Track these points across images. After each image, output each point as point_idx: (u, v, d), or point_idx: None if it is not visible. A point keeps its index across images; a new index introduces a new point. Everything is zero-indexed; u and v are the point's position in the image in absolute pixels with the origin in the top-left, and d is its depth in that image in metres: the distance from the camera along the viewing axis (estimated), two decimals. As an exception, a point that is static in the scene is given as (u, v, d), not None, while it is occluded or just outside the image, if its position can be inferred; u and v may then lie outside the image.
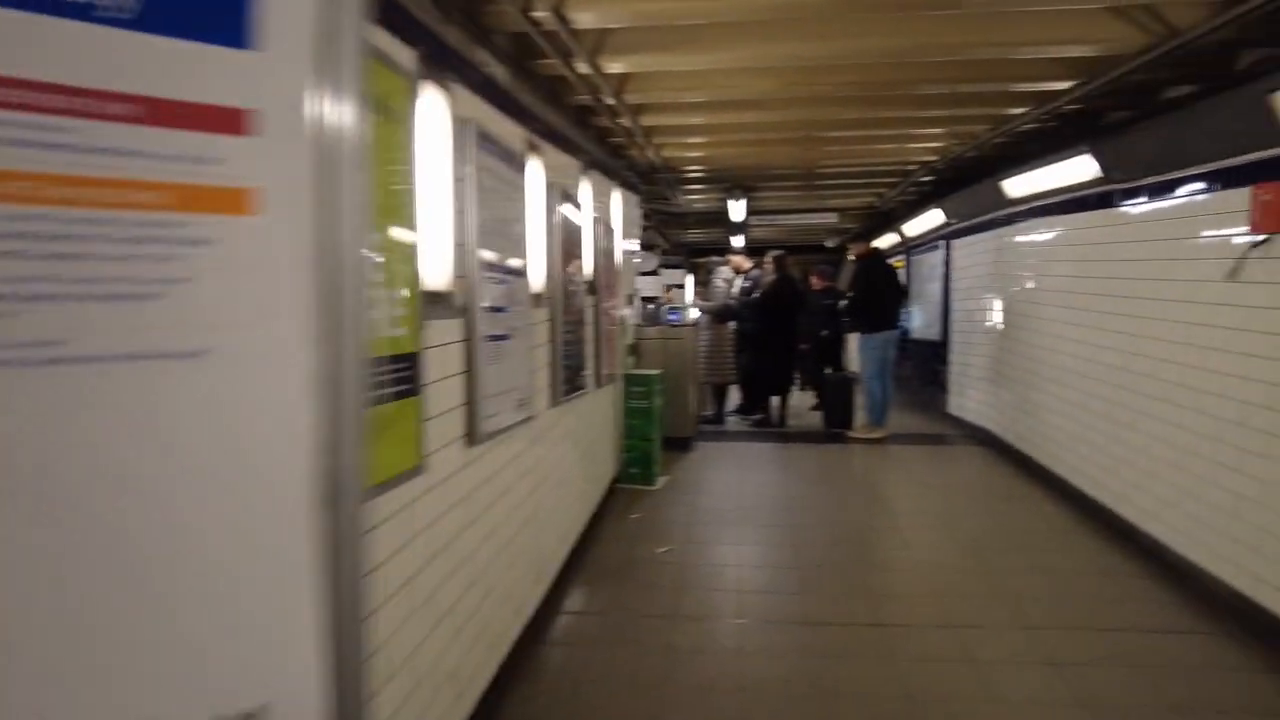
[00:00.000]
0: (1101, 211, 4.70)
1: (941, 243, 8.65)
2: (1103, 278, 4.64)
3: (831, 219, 10.36)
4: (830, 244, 13.69)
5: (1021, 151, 5.76)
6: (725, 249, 10.70)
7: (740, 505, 5.14)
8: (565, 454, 3.97)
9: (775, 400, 8.03)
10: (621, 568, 4.11)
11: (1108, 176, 4.49)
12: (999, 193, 6.13)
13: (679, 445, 6.70)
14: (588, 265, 4.53)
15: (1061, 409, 5.24)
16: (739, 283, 8.31)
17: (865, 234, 7.50)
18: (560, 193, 3.74)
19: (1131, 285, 4.29)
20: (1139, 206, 4.27)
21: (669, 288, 13.11)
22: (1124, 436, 4.35)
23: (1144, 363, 4.14)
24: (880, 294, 7.11)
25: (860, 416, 7.30)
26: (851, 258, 7.48)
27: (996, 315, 6.64)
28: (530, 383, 3.18)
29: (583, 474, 4.40)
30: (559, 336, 3.71)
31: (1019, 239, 6.17)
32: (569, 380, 3.97)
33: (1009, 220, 6.34)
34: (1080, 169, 4.73)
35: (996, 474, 5.85)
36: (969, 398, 7.55)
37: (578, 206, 4.21)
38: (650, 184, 7.51)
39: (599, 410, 4.94)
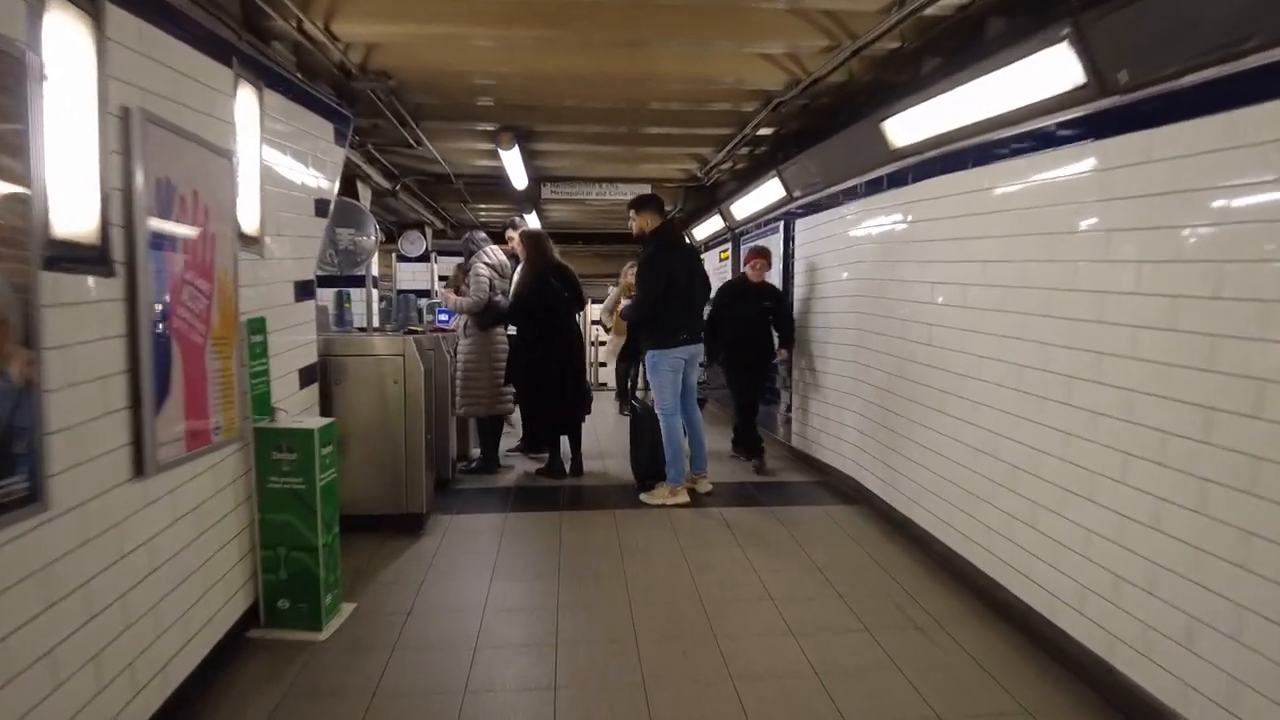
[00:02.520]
0: (1085, 146, 2.84)
1: (779, 225, 6.83)
2: (1082, 261, 2.77)
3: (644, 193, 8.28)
4: (645, 230, 11.67)
5: (914, 75, 3.88)
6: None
7: (459, 682, 2.77)
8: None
9: (566, 440, 5.77)
10: None
11: (1103, 81, 2.60)
12: (875, 141, 4.24)
13: (405, 526, 4.22)
14: (84, 210, 1.99)
15: (983, 469, 3.39)
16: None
17: (649, 201, 5.14)
18: None
19: (1118, 275, 2.43)
20: (1175, 132, 2.39)
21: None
22: (1105, 524, 2.48)
23: (1154, 408, 2.27)
24: (679, 290, 4.85)
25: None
26: (631, 224, 5.08)
27: (870, 317, 4.79)
28: None
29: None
30: None
31: (906, 210, 4.32)
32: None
33: (891, 182, 4.48)
34: (1046, 75, 2.84)
35: (886, 569, 3.92)
36: (820, 429, 5.71)
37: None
38: (371, 115, 4.98)
39: (159, 517, 2.38)
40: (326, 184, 4.11)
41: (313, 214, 3.93)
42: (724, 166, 6.96)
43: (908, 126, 3.95)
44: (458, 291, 5.79)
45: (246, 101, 3.07)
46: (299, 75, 3.67)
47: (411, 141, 5.75)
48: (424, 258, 10.05)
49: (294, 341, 3.66)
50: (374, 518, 4.16)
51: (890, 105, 3.99)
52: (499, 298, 5.60)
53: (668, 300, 4.77)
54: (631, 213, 5.03)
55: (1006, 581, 3.22)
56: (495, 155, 6.21)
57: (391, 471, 4.16)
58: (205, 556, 2.71)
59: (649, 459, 5.11)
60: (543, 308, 5.36)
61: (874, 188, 4.71)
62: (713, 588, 3.57)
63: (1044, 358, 2.97)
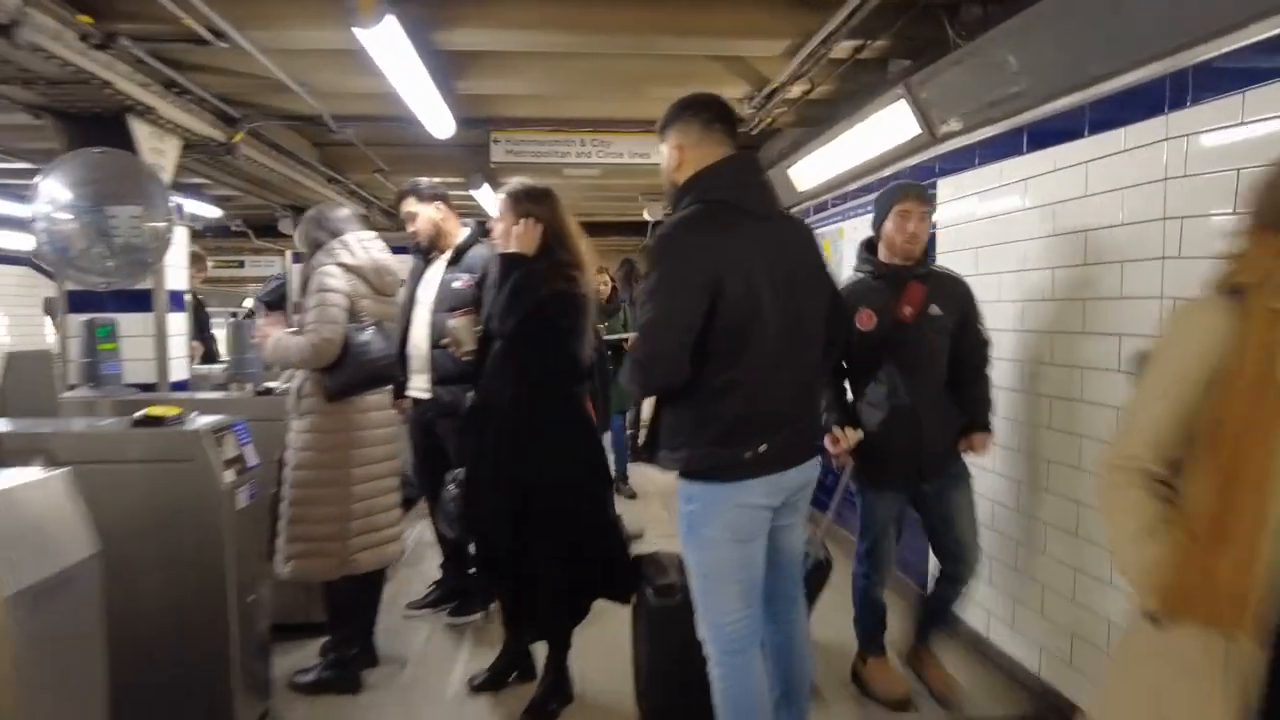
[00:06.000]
0: None
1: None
2: None
3: (654, 153, 5.44)
4: (654, 216, 8.86)
5: None
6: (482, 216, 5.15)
7: None
8: None
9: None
10: None
11: None
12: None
13: None
14: None
15: None
16: (465, 272, 3.34)
17: (690, 108, 2.04)
18: None
19: None
20: None
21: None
22: None
23: None
24: (757, 319, 1.88)
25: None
26: (664, 165, 2.10)
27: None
28: None
29: None
30: None
31: None
32: None
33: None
34: None
35: None
36: (1023, 598, 2.92)
37: None
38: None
39: None
40: None
41: None
42: (791, 94, 4.15)
43: None
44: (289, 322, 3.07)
45: None
46: None
47: (195, 26, 2.99)
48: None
49: None
50: None
51: None
52: (367, 336, 2.85)
53: (718, 347, 1.86)
54: (662, 138, 2.07)
55: None
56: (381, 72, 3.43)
57: None
58: None
59: (678, 707, 2.33)
60: (550, 343, 2.72)
61: (1240, 78, 1.96)
62: None
63: None
